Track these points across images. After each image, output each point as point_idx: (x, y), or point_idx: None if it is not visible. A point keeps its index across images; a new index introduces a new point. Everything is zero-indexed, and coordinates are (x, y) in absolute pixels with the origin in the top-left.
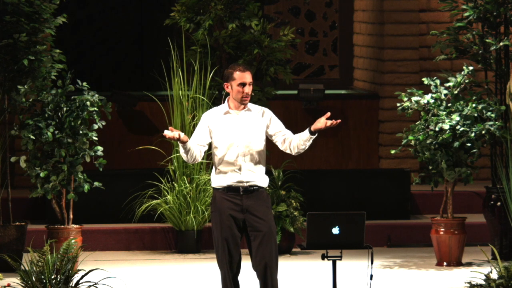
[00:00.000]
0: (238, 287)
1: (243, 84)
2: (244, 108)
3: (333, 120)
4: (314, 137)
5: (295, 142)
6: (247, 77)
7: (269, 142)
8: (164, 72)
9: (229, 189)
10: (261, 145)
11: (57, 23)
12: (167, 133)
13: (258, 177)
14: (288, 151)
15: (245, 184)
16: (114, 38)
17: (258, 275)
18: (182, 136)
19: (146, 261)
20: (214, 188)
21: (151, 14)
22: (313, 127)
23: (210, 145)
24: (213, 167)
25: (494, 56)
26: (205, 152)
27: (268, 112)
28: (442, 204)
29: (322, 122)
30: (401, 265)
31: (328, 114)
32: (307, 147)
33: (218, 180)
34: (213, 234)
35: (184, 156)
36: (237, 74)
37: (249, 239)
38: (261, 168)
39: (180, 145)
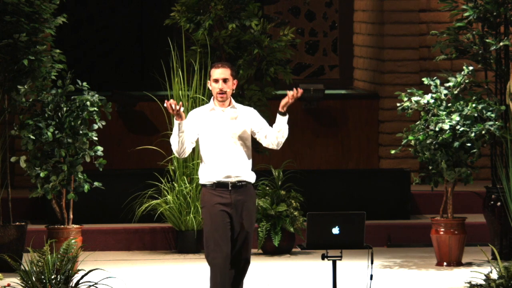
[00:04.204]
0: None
1: (216, 80)
2: (229, 105)
3: (295, 90)
4: (285, 117)
5: (272, 133)
6: (220, 73)
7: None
8: (164, 72)
9: (218, 185)
10: (247, 139)
11: (57, 23)
12: (169, 102)
13: (246, 171)
14: (270, 146)
15: (234, 180)
16: (114, 38)
17: (235, 268)
18: (182, 110)
19: (146, 261)
20: (202, 185)
21: (151, 14)
22: (280, 107)
23: (197, 142)
24: (201, 163)
25: (494, 56)
26: (194, 150)
27: (253, 110)
28: (442, 204)
29: (286, 98)
30: (401, 265)
31: (295, 90)
32: (284, 134)
33: (206, 176)
34: (204, 230)
35: (175, 140)
36: (212, 71)
37: (233, 233)
38: (248, 163)
39: (176, 123)
